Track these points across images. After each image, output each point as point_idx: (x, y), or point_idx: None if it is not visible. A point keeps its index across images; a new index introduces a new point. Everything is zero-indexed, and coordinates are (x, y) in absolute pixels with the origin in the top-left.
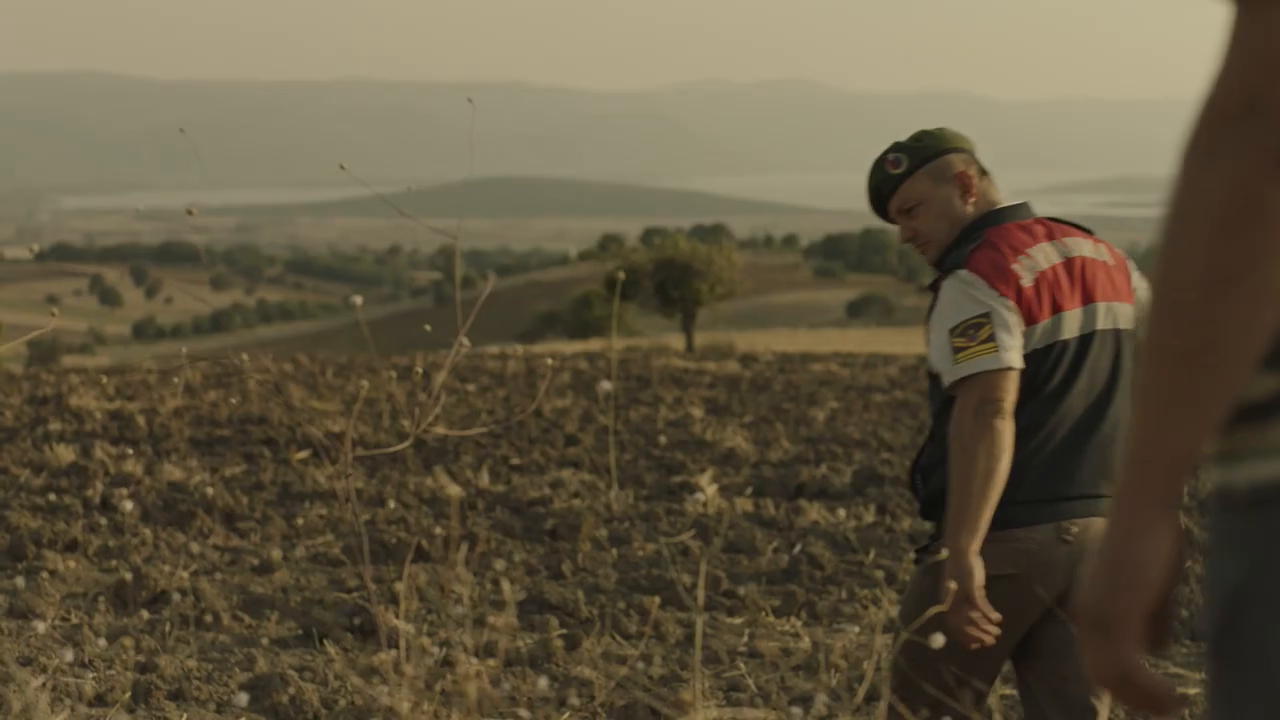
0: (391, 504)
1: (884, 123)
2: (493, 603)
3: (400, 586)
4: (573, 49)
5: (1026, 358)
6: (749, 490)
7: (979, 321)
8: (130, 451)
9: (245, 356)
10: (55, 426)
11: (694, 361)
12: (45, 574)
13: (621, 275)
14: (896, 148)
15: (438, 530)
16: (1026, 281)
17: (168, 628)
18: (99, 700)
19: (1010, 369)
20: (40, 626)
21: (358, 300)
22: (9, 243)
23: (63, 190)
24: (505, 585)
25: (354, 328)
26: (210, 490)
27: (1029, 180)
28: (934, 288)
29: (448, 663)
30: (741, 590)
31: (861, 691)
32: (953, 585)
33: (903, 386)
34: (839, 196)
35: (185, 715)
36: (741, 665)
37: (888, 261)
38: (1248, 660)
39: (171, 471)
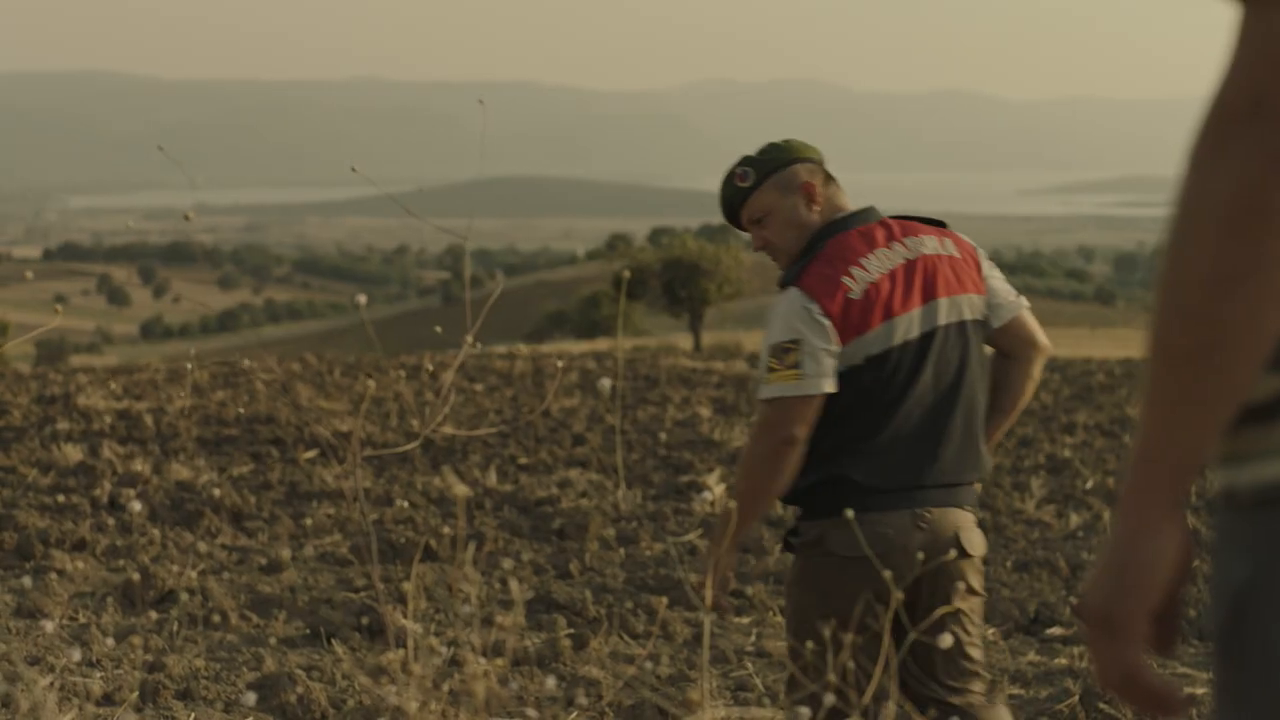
0: (400, 503)
1: (893, 122)
2: (500, 602)
3: (408, 586)
4: (581, 49)
5: (866, 362)
6: None
7: (789, 346)
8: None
9: (247, 362)
10: (63, 426)
11: (701, 361)
12: (53, 573)
13: (627, 274)
14: (745, 161)
15: (445, 530)
16: (855, 294)
17: (175, 627)
18: (107, 699)
19: (809, 396)
20: (48, 626)
21: (362, 299)
22: (17, 242)
23: (70, 190)
24: (513, 584)
25: (361, 327)
26: (218, 490)
27: (1037, 180)
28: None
29: (455, 662)
30: (751, 590)
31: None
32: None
33: None
34: (848, 196)
35: (193, 715)
36: (749, 665)
37: None
38: (1253, 660)
39: (179, 471)
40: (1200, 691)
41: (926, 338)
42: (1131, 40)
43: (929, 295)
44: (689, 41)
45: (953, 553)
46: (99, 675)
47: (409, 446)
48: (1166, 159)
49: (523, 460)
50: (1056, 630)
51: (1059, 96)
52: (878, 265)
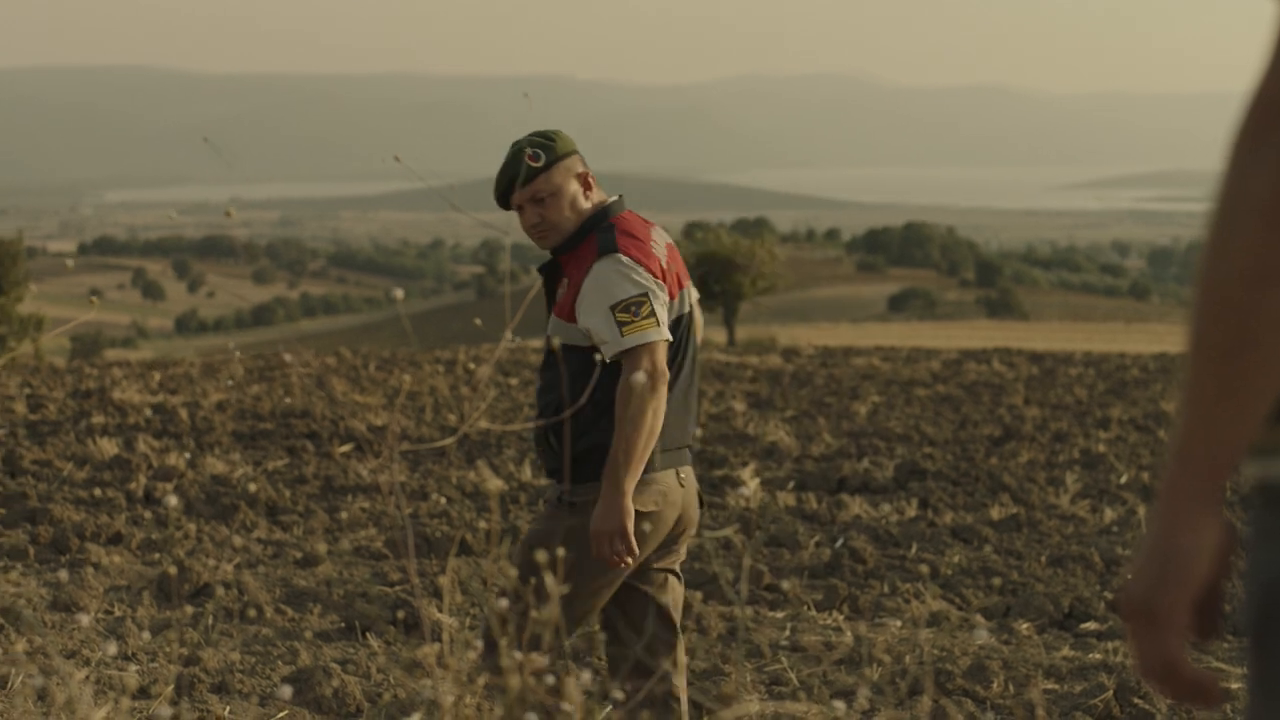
0: (435, 497)
1: (926, 117)
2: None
3: (444, 580)
4: (615, 43)
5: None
6: (791, 484)
7: (639, 300)
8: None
9: (288, 356)
10: (98, 420)
11: (736, 355)
12: (89, 567)
13: None
14: (534, 144)
15: (481, 524)
16: (663, 263)
17: (211, 621)
18: (142, 693)
19: (667, 341)
20: (84, 619)
21: (399, 294)
22: (53, 236)
23: (105, 184)
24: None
25: (396, 321)
26: (253, 484)
27: (1072, 175)
28: (547, 270)
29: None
30: (786, 584)
31: (905, 686)
32: (606, 524)
33: (944, 381)
34: (881, 191)
35: (228, 708)
36: (783, 659)
37: (930, 256)
38: None
39: (214, 465)
40: (1235, 686)
41: (688, 315)
42: (1167, 34)
43: (681, 279)
44: (724, 36)
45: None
46: (135, 669)
47: (446, 442)
48: (1203, 154)
49: None
50: (1091, 625)
51: (1094, 91)
52: (658, 243)
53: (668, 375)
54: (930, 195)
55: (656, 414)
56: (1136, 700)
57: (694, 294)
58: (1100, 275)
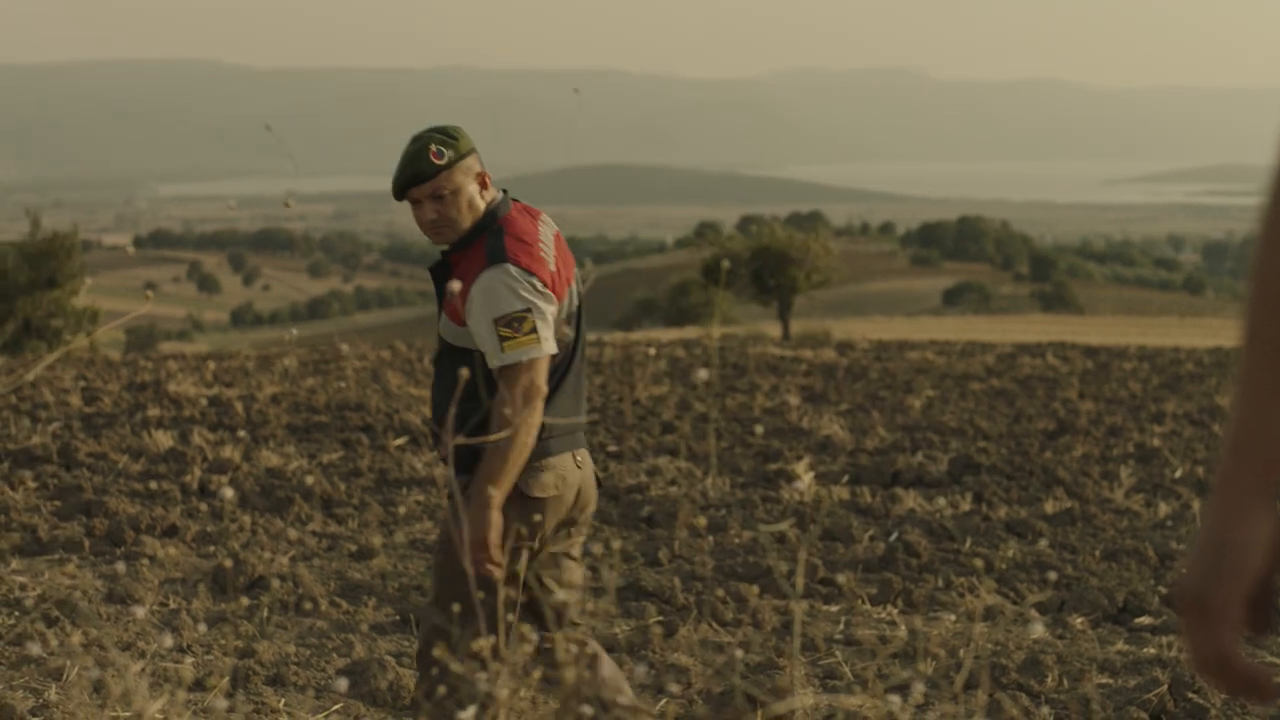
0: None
1: (981, 111)
2: (590, 589)
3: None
4: (670, 36)
5: (558, 326)
6: (845, 478)
7: (521, 315)
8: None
9: (345, 346)
10: (154, 412)
11: (790, 349)
12: (144, 559)
13: (726, 265)
14: (438, 141)
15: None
16: (551, 265)
17: (266, 614)
18: (198, 685)
19: (548, 356)
20: (139, 612)
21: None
22: (108, 229)
23: (161, 177)
24: (605, 571)
25: None
26: (309, 477)
27: (1125, 169)
28: (438, 271)
29: (545, 649)
30: (841, 578)
31: (960, 680)
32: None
33: (999, 375)
34: (936, 185)
35: (283, 701)
36: (838, 653)
37: (984, 250)
38: None
39: (269, 458)
40: None
41: (580, 306)
42: (1222, 28)
43: (569, 275)
44: (778, 29)
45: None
46: (190, 661)
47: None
48: (1256, 148)
49: (612, 448)
50: (1145, 620)
51: (1148, 85)
52: (547, 241)
53: (544, 391)
54: (985, 189)
55: (530, 431)
56: (1191, 695)
57: (580, 281)
58: (1155, 269)
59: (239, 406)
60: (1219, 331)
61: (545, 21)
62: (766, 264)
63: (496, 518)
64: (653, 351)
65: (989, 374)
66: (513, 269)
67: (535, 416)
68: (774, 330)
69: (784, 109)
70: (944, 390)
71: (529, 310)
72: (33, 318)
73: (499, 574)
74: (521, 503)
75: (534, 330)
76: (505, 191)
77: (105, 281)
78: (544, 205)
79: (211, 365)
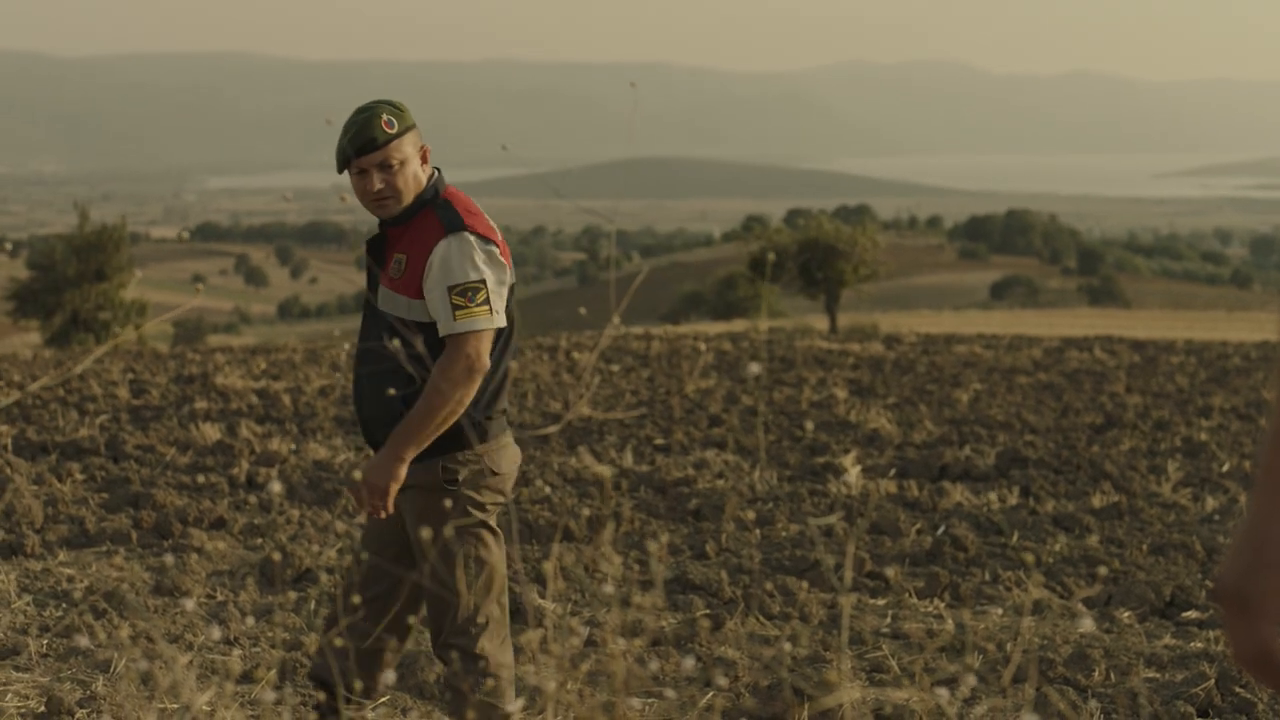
0: (537, 483)
1: (1028, 104)
2: (638, 583)
3: (548, 566)
4: (718, 30)
5: (508, 297)
6: (892, 471)
7: (476, 286)
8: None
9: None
10: (201, 405)
11: (838, 343)
12: (192, 552)
13: (772, 257)
14: (386, 110)
15: (585, 511)
16: (499, 236)
17: (313, 606)
18: (246, 677)
19: (495, 329)
20: (188, 604)
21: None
22: (156, 222)
23: (208, 170)
24: (655, 564)
25: None
26: (356, 470)
27: (1173, 162)
28: (375, 245)
29: (593, 642)
30: (890, 572)
31: (1008, 674)
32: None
33: (1046, 369)
34: (983, 178)
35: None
36: (885, 646)
37: (1032, 243)
38: None
39: (317, 450)
40: None
41: (513, 286)
42: (1268, 20)
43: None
44: (826, 23)
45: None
46: (238, 653)
47: (552, 429)
48: None
49: (659, 441)
50: (1192, 614)
51: (1195, 78)
52: (488, 217)
53: (487, 366)
54: (1032, 182)
55: (462, 402)
56: (1238, 689)
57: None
58: (1202, 263)
59: (286, 399)
60: (1266, 325)
61: (592, 15)
62: (814, 257)
63: (402, 473)
64: (703, 347)
65: (1036, 368)
66: (471, 237)
67: (470, 389)
68: (821, 324)
69: (831, 102)
70: (991, 384)
71: (483, 283)
72: (81, 310)
73: (381, 514)
74: (489, 479)
75: (486, 302)
76: (439, 170)
77: (153, 274)
78: (591, 199)
79: (260, 360)
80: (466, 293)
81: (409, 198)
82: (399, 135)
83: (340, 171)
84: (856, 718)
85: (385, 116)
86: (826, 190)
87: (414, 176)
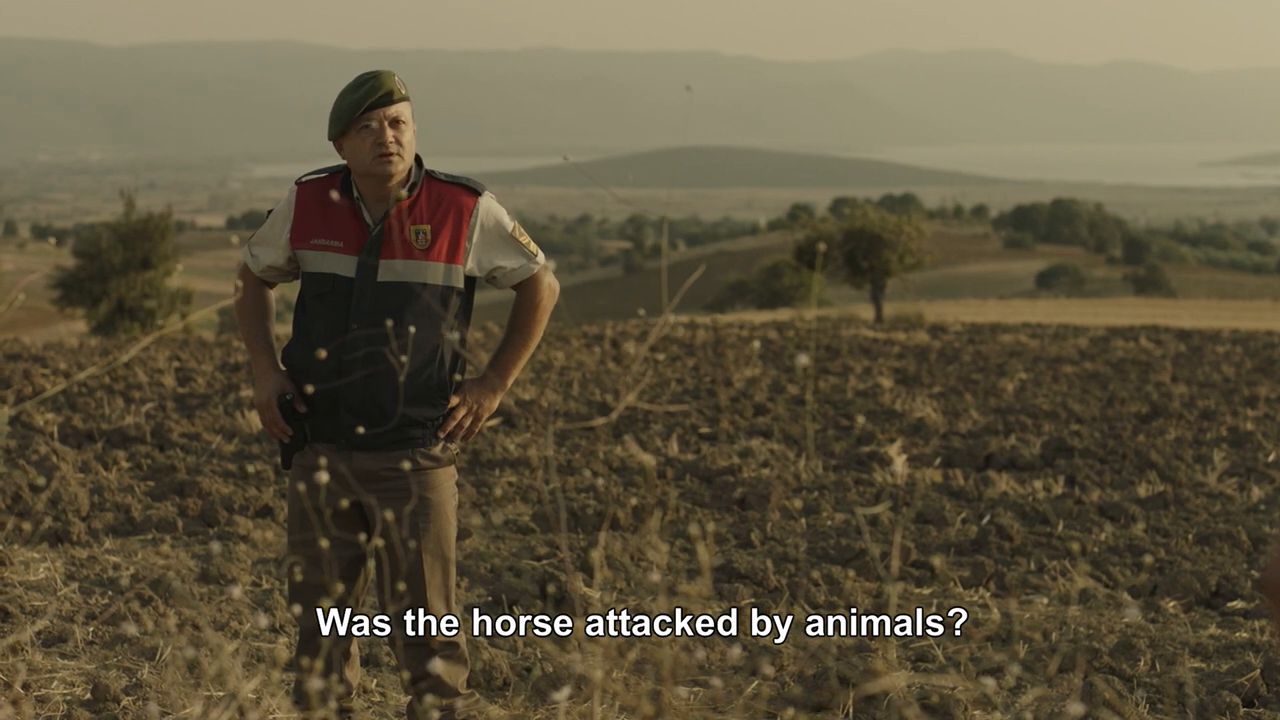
0: (583, 472)
1: (1074, 93)
2: (685, 571)
3: (595, 554)
4: (763, 19)
5: None
6: (938, 461)
7: (522, 230)
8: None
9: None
10: (247, 393)
11: (883, 332)
12: (238, 540)
13: (823, 247)
14: (392, 76)
15: (632, 500)
16: None
17: (359, 594)
18: (292, 665)
19: None
20: (234, 592)
21: (550, 266)
22: (202, 210)
23: (254, 159)
24: (702, 552)
25: None
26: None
27: (1219, 152)
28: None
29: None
30: (936, 561)
31: (1054, 664)
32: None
33: (1092, 358)
34: (1029, 167)
35: (376, 681)
36: (930, 635)
37: (1078, 233)
38: None
39: None
40: None
41: None
42: None
43: None
44: (870, 12)
45: None
46: (284, 641)
47: (601, 421)
48: None
49: (704, 430)
50: (1238, 604)
51: (1240, 67)
52: None
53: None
54: (1078, 172)
55: (541, 332)
56: None
57: None
58: (1248, 253)
59: None
60: None
61: (637, 3)
62: (859, 246)
63: (496, 405)
64: (749, 336)
65: (1082, 357)
66: (492, 194)
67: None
68: (867, 313)
69: (876, 91)
70: (1037, 373)
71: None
72: (127, 298)
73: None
74: (453, 463)
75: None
76: None
77: (198, 262)
78: (638, 187)
79: None
80: (524, 234)
81: (409, 163)
82: (408, 98)
83: (337, 136)
84: (902, 705)
85: (396, 77)
86: (872, 179)
87: (413, 140)
